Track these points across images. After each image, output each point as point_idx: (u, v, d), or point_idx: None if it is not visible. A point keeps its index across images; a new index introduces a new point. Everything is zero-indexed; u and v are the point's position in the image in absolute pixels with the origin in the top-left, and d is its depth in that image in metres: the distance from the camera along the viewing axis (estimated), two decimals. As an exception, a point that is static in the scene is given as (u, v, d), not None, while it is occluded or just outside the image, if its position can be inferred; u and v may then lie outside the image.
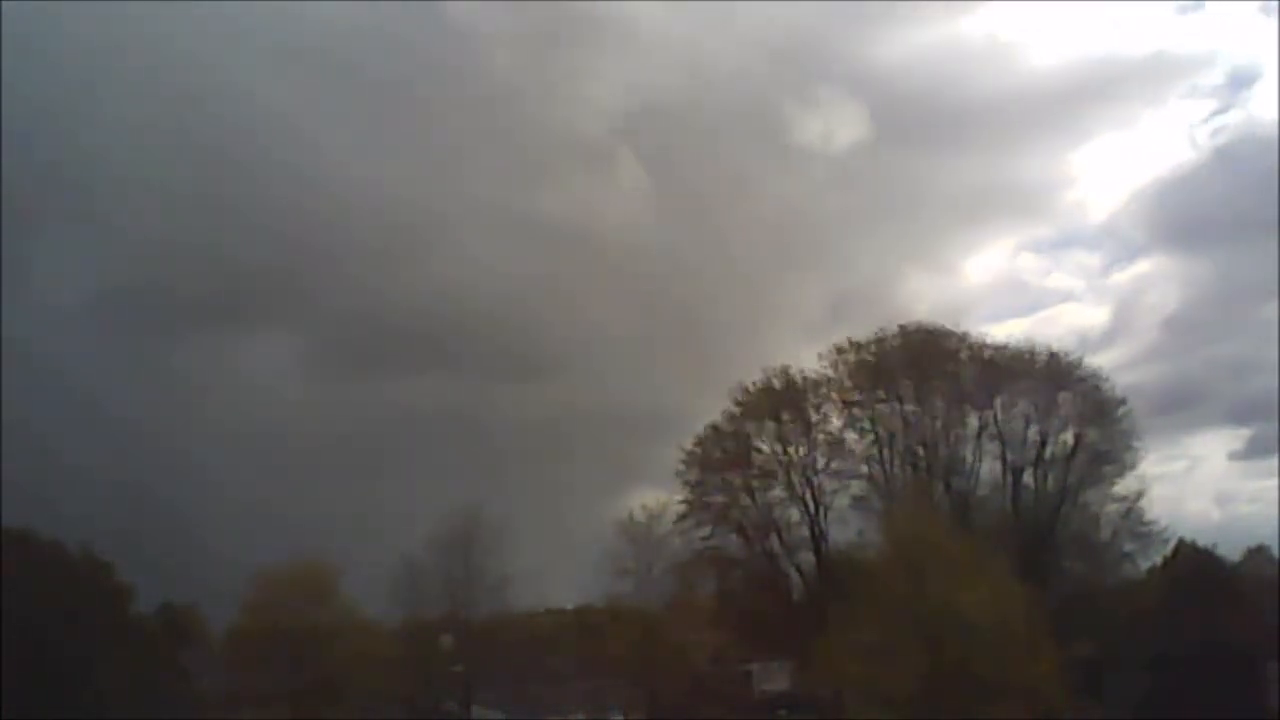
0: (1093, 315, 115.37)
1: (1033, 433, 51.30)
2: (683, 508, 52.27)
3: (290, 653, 47.84)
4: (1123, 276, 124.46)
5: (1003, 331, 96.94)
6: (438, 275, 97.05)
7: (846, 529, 51.63)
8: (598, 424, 78.87)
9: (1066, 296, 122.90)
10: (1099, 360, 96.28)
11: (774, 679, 64.79)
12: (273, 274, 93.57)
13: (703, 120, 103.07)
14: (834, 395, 52.04)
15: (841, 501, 51.68)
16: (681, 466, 52.27)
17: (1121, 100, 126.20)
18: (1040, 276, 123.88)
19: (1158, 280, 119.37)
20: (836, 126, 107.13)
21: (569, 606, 65.40)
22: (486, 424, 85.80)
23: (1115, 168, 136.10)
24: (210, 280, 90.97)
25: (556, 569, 54.05)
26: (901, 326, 52.61)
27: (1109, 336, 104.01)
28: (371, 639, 50.28)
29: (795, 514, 51.76)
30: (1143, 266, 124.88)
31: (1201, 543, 58.11)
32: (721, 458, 51.98)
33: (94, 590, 49.88)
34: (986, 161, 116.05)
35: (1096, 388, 51.82)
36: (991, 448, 51.33)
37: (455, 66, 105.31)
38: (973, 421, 51.28)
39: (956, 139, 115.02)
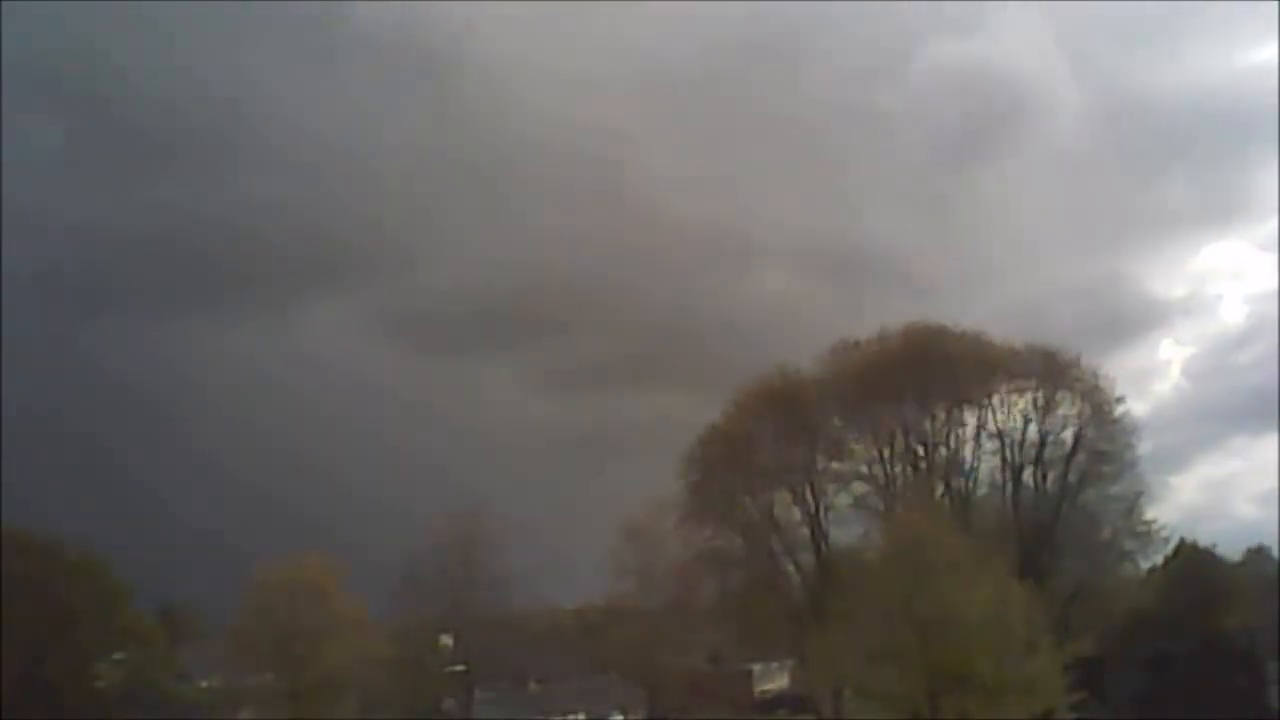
0: (1236, 315, 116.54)
1: (1032, 432, 51.30)
2: (683, 508, 52.21)
3: (290, 653, 47.74)
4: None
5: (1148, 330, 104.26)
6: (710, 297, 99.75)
7: (847, 529, 51.66)
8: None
9: (1221, 297, 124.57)
10: (1231, 361, 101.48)
11: (774, 679, 64.89)
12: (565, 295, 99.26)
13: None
14: (834, 395, 51.95)
15: (842, 502, 51.69)
16: (681, 468, 52.18)
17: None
18: (1209, 278, 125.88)
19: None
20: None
21: (569, 606, 65.48)
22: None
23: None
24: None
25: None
26: (907, 326, 52.49)
27: (1245, 337, 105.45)
28: (371, 639, 50.19)
29: (796, 514, 51.76)
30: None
31: (1232, 541, 58.32)
32: (722, 458, 51.90)
33: (93, 590, 49.86)
34: (1210, 173, 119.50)
35: (1096, 387, 51.76)
36: (991, 447, 51.33)
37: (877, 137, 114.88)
38: (972, 421, 51.27)
39: (1197, 156, 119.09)
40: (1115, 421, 51.29)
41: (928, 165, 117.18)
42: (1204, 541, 58.42)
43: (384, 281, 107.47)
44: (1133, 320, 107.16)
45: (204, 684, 54.36)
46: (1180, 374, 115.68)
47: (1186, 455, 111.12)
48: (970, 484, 51.37)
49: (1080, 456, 50.95)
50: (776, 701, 63.03)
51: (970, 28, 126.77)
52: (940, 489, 50.52)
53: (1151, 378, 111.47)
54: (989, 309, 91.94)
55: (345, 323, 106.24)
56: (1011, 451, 51.16)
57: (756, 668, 64.41)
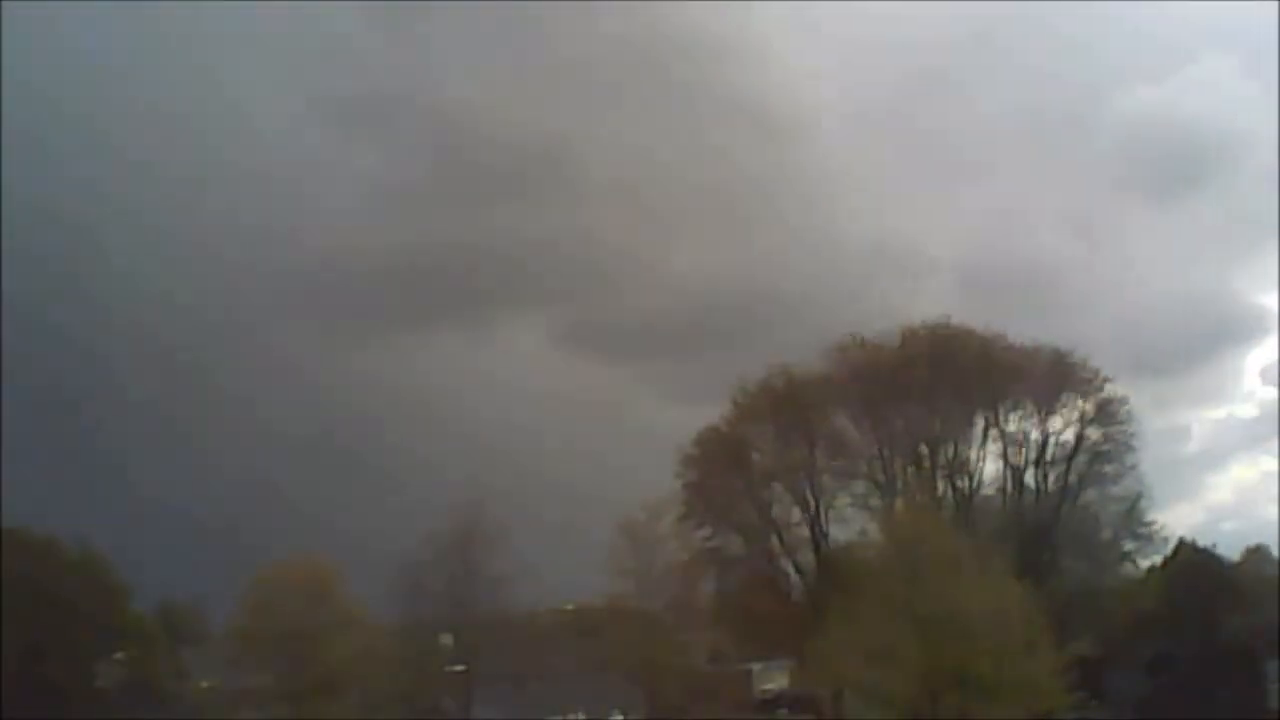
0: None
1: (1034, 432, 51.31)
2: (683, 508, 52.18)
3: (290, 652, 47.71)
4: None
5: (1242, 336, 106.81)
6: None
7: (847, 528, 51.66)
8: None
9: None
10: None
11: (774, 679, 64.77)
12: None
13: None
14: (838, 392, 51.88)
15: (842, 501, 51.67)
16: (679, 468, 52.15)
17: None
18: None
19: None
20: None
21: (569, 606, 65.31)
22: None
23: None
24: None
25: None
26: (919, 325, 52.36)
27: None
28: (371, 639, 50.16)
29: (795, 513, 51.75)
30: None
31: (1247, 540, 58.31)
32: (721, 458, 51.88)
33: (93, 589, 49.85)
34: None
35: (1099, 387, 51.73)
36: (995, 447, 51.35)
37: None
38: (978, 420, 51.23)
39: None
40: (1118, 422, 51.30)
41: (1098, 193, 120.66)
42: (1222, 539, 58.71)
43: (577, 298, 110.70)
44: (1230, 327, 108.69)
45: (204, 684, 54.33)
46: (1259, 378, 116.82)
47: (1230, 455, 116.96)
48: (973, 483, 51.41)
49: (1081, 457, 51.00)
50: (776, 701, 62.90)
51: (1162, 75, 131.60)
52: (943, 488, 50.55)
53: (1236, 381, 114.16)
54: (1108, 322, 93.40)
55: (539, 335, 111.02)
56: (1014, 451, 51.25)
57: (756, 668, 64.30)
